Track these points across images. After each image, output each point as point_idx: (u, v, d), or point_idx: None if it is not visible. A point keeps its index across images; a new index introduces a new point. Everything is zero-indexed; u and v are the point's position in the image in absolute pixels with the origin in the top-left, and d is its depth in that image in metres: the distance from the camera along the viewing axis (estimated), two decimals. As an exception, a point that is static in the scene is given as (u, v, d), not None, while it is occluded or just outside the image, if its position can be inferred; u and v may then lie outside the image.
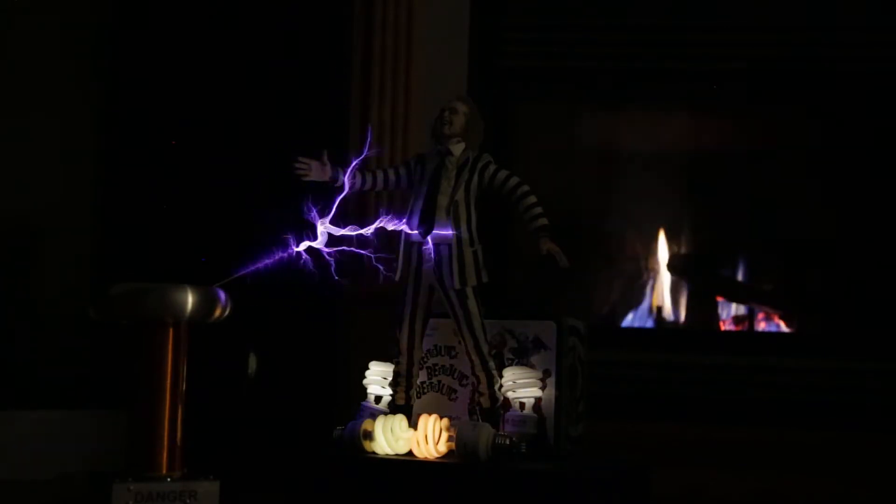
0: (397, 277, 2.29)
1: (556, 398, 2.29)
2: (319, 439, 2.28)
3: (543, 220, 2.26)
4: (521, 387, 2.27)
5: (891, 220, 3.26)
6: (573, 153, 3.53)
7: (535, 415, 2.27)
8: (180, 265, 2.80)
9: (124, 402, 2.02)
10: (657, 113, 3.50)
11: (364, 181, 2.36)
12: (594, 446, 2.41)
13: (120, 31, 3.25)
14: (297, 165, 2.31)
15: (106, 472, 1.95)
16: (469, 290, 2.24)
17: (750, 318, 3.47)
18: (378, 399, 2.37)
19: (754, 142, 3.45)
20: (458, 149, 2.30)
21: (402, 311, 2.29)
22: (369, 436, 2.22)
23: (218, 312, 2.00)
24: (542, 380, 2.29)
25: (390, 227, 2.24)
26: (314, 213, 2.19)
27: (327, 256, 2.19)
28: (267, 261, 2.13)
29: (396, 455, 2.20)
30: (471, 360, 2.26)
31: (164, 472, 1.95)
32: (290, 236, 2.17)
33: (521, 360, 2.32)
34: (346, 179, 2.31)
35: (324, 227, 2.20)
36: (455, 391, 2.36)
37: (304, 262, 2.16)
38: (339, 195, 2.26)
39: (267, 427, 2.98)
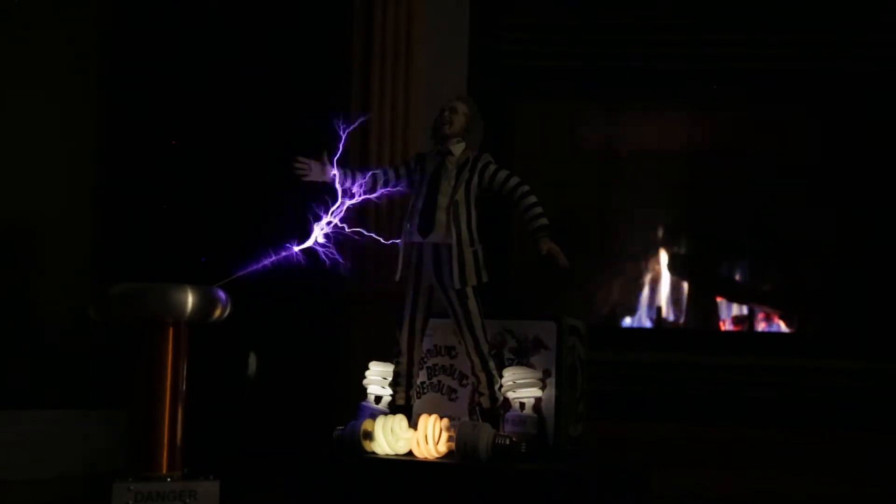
0: (397, 277, 2.29)
1: (556, 398, 2.28)
2: (319, 439, 2.28)
3: (543, 220, 2.26)
4: (521, 387, 2.27)
5: (890, 220, 3.26)
6: (573, 153, 3.53)
7: (535, 415, 2.26)
8: (180, 265, 2.81)
9: (124, 402, 2.02)
10: (657, 112, 3.51)
11: (364, 181, 2.36)
12: (594, 446, 2.41)
13: (120, 32, 3.25)
14: (297, 165, 2.31)
15: (106, 472, 1.95)
16: (469, 290, 2.24)
17: (750, 318, 3.47)
18: (378, 399, 2.37)
19: (754, 142, 3.45)
20: (458, 148, 2.30)
21: (403, 311, 2.29)
22: (369, 436, 2.21)
23: (218, 312, 2.00)
24: (542, 380, 2.29)
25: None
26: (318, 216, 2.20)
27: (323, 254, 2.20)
28: (267, 261, 2.13)
29: (396, 455, 2.20)
30: (471, 361, 2.25)
31: (164, 472, 1.95)
32: (289, 236, 2.17)
33: (521, 360, 2.32)
34: (341, 181, 2.32)
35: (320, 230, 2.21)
36: (455, 391, 2.36)
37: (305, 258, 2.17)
38: (343, 205, 2.26)
39: (267, 427, 2.98)
